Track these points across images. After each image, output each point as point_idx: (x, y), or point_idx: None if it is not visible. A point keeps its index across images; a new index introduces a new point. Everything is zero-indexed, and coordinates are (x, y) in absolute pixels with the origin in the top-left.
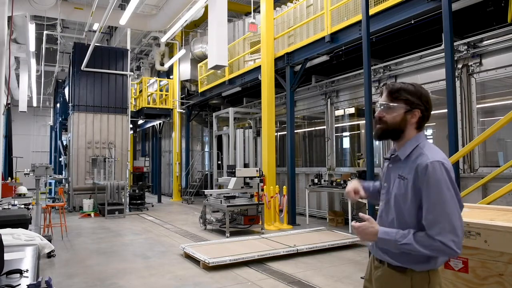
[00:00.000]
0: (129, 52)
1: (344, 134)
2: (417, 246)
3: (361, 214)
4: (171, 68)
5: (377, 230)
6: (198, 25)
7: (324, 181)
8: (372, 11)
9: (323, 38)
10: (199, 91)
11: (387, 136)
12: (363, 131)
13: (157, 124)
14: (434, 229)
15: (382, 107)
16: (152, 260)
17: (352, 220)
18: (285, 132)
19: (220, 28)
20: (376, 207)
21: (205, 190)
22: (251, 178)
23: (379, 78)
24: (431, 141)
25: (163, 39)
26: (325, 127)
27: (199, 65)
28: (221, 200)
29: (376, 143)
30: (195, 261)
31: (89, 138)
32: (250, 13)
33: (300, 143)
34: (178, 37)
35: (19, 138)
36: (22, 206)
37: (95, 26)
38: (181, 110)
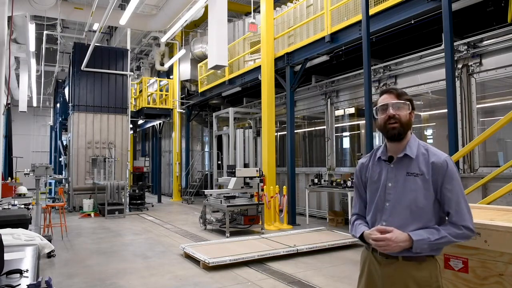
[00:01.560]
0: (129, 52)
1: (344, 134)
2: (452, 238)
3: (382, 227)
4: (171, 68)
5: (408, 235)
6: (198, 25)
7: (324, 181)
8: (372, 11)
9: (323, 38)
10: (199, 91)
11: (402, 135)
12: (363, 131)
13: (157, 124)
14: (458, 216)
15: (395, 105)
16: (152, 260)
17: None
18: (285, 132)
19: (220, 28)
20: None
21: (205, 190)
22: (251, 178)
23: (379, 78)
24: (431, 141)
25: (163, 39)
26: (325, 127)
27: (199, 65)
28: (221, 200)
29: (376, 142)
30: (195, 261)
31: (89, 138)
32: (250, 13)
33: (300, 143)
34: (178, 37)
35: (19, 138)
36: (22, 206)
37: (95, 26)
38: (181, 110)
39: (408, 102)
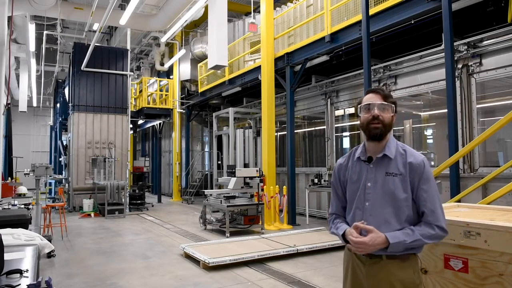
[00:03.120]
0: (129, 52)
1: (344, 134)
2: (424, 240)
3: (361, 225)
4: (171, 68)
5: (385, 237)
6: (198, 25)
7: (324, 181)
8: (372, 11)
9: (323, 38)
10: (199, 91)
11: (383, 135)
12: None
13: (157, 124)
14: (433, 216)
15: (380, 106)
16: (152, 260)
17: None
18: (285, 132)
19: (220, 28)
20: None
21: (205, 190)
22: (251, 178)
23: (379, 78)
24: (431, 141)
25: (163, 39)
26: (325, 127)
27: (199, 65)
28: (221, 200)
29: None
30: (195, 261)
31: (89, 138)
32: (250, 13)
33: (300, 143)
34: (178, 37)
35: (19, 138)
36: (22, 206)
37: (95, 26)
38: (181, 110)
39: (393, 105)
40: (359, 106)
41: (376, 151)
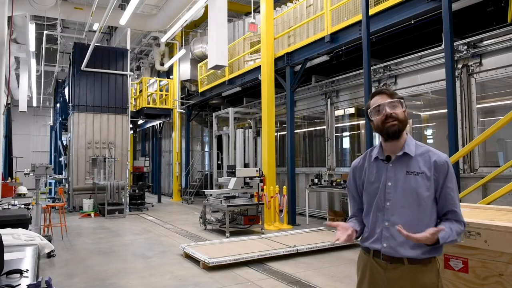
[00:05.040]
0: (129, 52)
1: (344, 134)
2: (458, 238)
3: (436, 228)
4: (171, 68)
5: (437, 238)
6: (198, 25)
7: (324, 181)
8: (372, 11)
9: (323, 38)
10: (199, 91)
11: (401, 132)
12: (363, 131)
13: (157, 124)
14: (459, 214)
15: (390, 104)
16: (152, 260)
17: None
18: (285, 132)
19: (220, 28)
20: None
21: (205, 190)
22: (251, 178)
23: (379, 78)
24: (431, 141)
25: (163, 39)
26: (325, 127)
27: (199, 65)
28: (221, 200)
29: (376, 142)
30: (195, 261)
31: (89, 138)
32: (250, 13)
33: (300, 143)
34: (178, 37)
35: (19, 138)
36: (22, 206)
37: (95, 26)
38: (181, 110)
39: (402, 100)
40: (368, 110)
41: (395, 150)
